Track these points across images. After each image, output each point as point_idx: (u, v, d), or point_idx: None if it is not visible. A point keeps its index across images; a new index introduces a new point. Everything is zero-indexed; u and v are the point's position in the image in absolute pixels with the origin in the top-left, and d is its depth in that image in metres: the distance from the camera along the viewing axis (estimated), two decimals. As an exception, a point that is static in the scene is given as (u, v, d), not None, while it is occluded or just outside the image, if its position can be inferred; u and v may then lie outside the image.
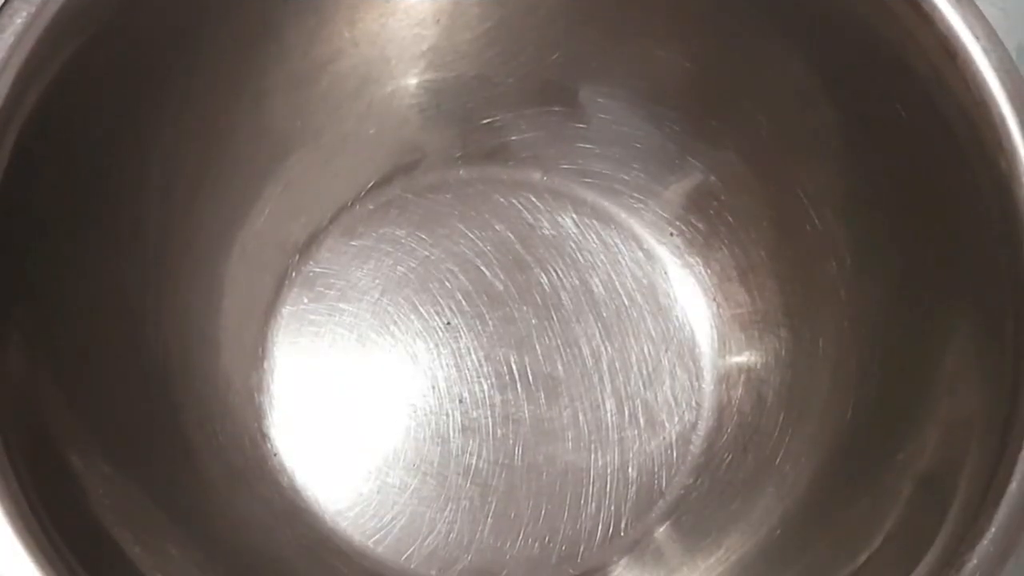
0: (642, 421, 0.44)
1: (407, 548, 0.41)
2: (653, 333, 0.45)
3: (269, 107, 0.43)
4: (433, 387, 0.43)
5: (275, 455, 0.42)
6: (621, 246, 0.46)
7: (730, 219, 0.45)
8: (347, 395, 0.43)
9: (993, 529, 0.28)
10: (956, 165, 0.34)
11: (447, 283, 0.45)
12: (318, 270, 0.45)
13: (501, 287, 0.45)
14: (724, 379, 0.44)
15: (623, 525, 0.42)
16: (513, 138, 0.47)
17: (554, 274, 0.46)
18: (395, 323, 0.44)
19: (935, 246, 0.36)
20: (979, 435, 0.30)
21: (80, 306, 0.37)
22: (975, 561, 0.28)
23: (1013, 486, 0.28)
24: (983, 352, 0.32)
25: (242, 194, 0.44)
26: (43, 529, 0.30)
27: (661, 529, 0.42)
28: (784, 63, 0.40)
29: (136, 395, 0.39)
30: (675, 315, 0.46)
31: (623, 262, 0.46)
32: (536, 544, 0.42)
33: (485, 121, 0.46)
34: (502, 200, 0.46)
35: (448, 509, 0.42)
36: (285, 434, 0.43)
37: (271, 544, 0.40)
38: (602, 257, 0.46)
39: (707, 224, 0.46)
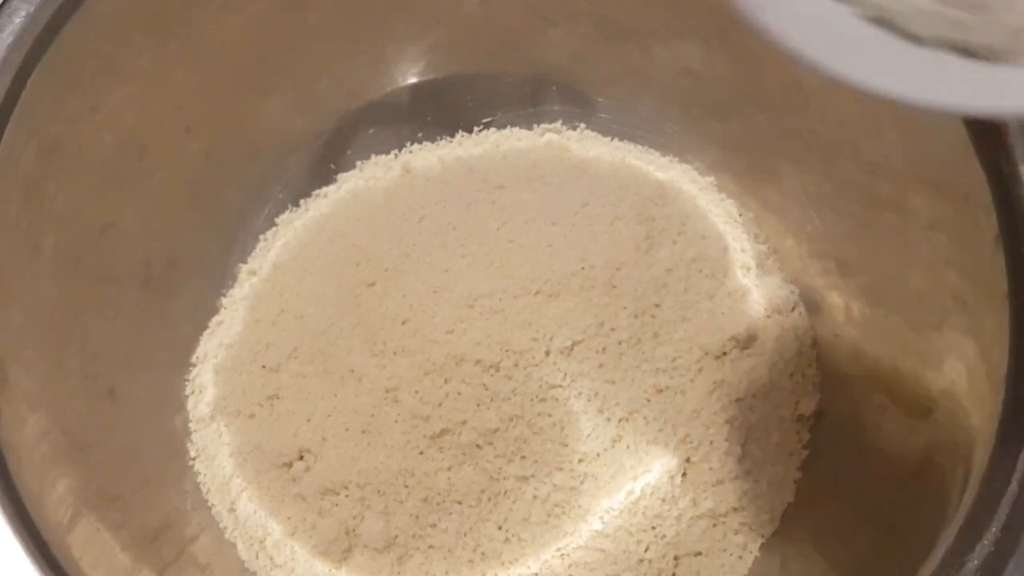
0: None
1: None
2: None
3: (269, 107, 0.43)
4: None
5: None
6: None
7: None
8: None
9: (993, 529, 0.28)
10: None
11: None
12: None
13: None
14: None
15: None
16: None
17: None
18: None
19: (927, 248, 0.36)
20: (979, 435, 0.30)
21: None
22: (975, 561, 0.28)
23: (1013, 486, 0.28)
24: (984, 352, 0.31)
25: (243, 195, 0.44)
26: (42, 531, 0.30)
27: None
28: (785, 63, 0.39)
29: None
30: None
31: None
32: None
33: (485, 120, 0.46)
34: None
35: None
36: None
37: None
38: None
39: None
